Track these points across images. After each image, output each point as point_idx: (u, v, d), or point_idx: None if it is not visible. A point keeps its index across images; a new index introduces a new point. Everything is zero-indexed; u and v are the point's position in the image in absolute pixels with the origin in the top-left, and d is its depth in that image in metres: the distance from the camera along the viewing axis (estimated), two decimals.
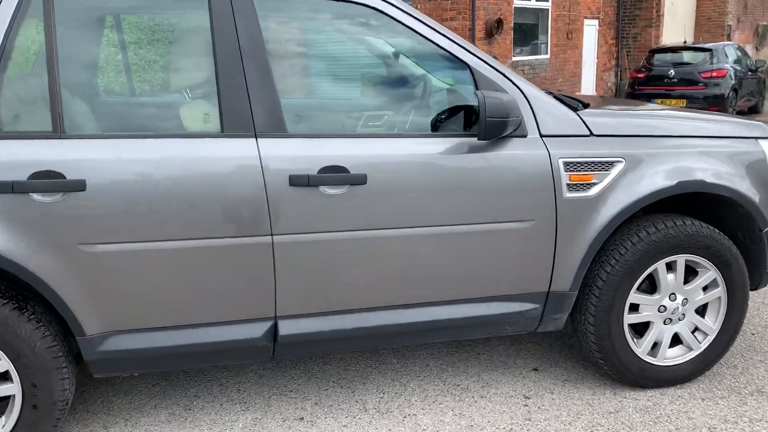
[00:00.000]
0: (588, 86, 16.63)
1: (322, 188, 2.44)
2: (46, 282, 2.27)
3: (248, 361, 2.59)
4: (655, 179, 2.73)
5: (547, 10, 14.52)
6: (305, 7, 2.59)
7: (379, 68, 3.12)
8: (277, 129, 2.44)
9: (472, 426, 2.74)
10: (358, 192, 2.47)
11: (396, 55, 3.04)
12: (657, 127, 2.84)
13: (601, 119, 2.78)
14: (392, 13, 2.58)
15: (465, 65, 2.63)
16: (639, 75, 13.26)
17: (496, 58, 4.05)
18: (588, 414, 2.82)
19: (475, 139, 2.60)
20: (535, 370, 3.21)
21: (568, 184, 2.66)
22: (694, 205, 3.15)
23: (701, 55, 12.81)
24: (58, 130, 2.27)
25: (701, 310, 3.00)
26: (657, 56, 13.22)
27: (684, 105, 12.37)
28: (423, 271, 2.61)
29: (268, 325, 2.53)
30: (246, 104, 2.42)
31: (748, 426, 2.72)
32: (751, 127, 3.04)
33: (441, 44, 2.62)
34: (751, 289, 3.10)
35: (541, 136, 2.67)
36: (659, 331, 2.92)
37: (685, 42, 14.40)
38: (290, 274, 2.48)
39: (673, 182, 2.74)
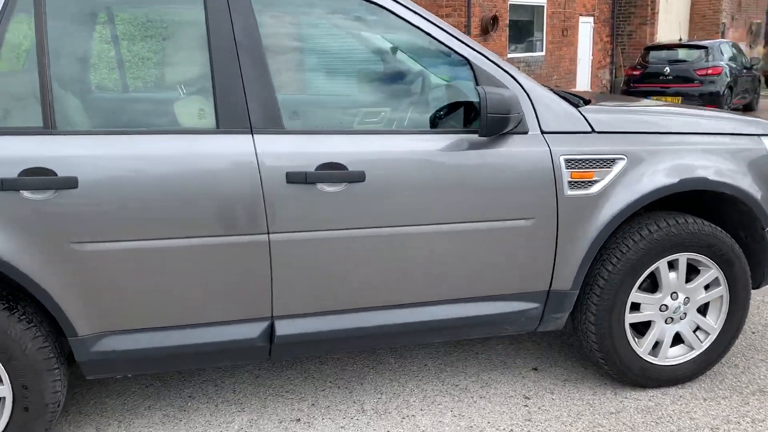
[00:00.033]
0: (583, 83, 16.66)
1: (319, 185, 2.39)
2: (36, 282, 2.22)
3: (244, 362, 2.56)
4: (657, 177, 2.69)
5: (543, 7, 14.52)
6: (302, 1, 2.55)
7: (378, 63, 3.07)
8: (274, 125, 2.40)
9: (471, 427, 2.71)
10: (356, 189, 2.42)
11: (394, 49, 2.99)
12: (659, 124, 2.80)
13: (602, 115, 2.74)
14: (390, 7, 2.54)
15: (465, 60, 2.59)
16: (634, 72, 13.25)
17: None
18: (589, 414, 2.79)
19: (475, 135, 2.56)
20: (535, 369, 3.18)
21: (569, 182, 2.62)
22: (696, 202, 3.12)
23: (696, 53, 12.81)
24: (49, 126, 2.22)
25: (703, 309, 2.97)
26: (652, 53, 13.22)
27: (679, 102, 12.38)
28: (422, 270, 2.57)
29: (264, 325, 2.49)
30: (242, 100, 2.37)
31: (750, 426, 2.69)
32: (753, 123, 3.01)
33: (440, 39, 2.58)
34: (753, 288, 3.08)
35: (542, 132, 2.63)
36: (660, 331, 2.89)
37: (680, 39, 14.42)
38: (287, 273, 2.43)
39: (675, 180, 2.71)
